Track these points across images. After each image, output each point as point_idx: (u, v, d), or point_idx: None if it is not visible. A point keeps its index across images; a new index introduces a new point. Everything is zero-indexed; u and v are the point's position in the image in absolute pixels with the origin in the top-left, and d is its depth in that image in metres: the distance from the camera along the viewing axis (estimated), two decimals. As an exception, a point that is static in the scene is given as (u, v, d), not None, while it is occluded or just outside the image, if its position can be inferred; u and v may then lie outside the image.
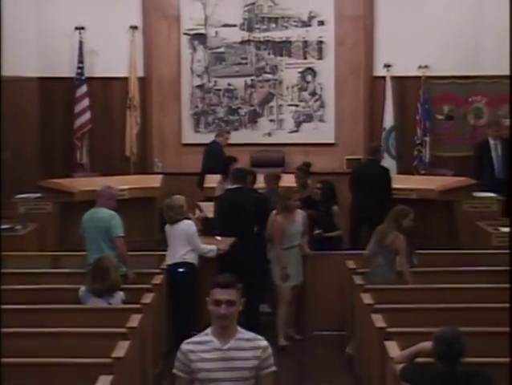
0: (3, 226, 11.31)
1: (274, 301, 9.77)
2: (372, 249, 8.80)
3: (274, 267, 9.57)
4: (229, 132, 13.57)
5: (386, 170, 11.97)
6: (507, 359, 6.25)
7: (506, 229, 10.96)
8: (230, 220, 9.72)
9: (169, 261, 9.25)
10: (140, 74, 14.30)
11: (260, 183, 10.53)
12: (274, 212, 9.62)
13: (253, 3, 14.28)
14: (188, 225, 9.27)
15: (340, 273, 9.45)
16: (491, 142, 13.00)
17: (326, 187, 10.57)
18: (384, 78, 14.25)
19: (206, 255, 9.32)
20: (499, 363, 6.10)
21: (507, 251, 10.06)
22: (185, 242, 9.18)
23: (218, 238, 9.63)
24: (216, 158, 12.50)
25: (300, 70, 14.37)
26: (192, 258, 9.20)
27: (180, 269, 9.17)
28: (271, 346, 4.95)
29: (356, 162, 13.24)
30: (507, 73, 14.04)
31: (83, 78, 14.11)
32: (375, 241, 8.77)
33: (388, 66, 14.20)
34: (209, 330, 5.19)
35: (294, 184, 10.80)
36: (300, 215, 9.69)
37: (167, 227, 9.35)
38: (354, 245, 10.88)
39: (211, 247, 9.35)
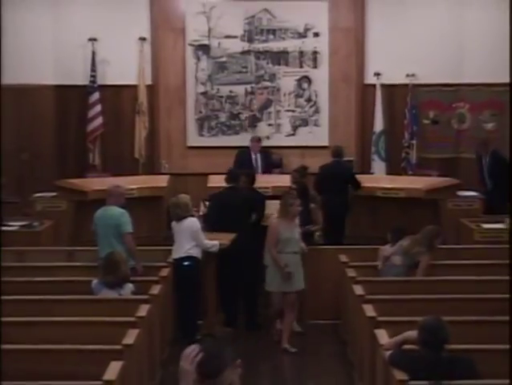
0: (22, 223, 11.33)
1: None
2: (396, 249, 8.79)
3: (268, 273, 9.08)
4: (259, 139, 13.49)
5: (349, 169, 12.25)
6: (488, 346, 6.26)
7: (488, 226, 10.99)
8: (220, 218, 9.82)
9: (175, 255, 9.24)
10: (148, 82, 14.29)
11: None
12: (275, 215, 9.32)
13: (253, 16, 14.27)
14: (192, 222, 9.26)
15: (334, 266, 9.43)
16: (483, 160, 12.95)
17: (300, 187, 10.21)
18: (374, 85, 14.23)
19: (209, 250, 9.32)
20: (481, 350, 6.10)
21: (489, 246, 10.10)
22: (190, 238, 9.17)
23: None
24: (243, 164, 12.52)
25: (296, 78, 14.35)
26: (196, 253, 9.20)
27: (186, 263, 9.16)
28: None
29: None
30: (487, 81, 14.08)
31: (96, 85, 14.10)
32: (401, 245, 8.77)
33: (377, 74, 14.18)
34: None
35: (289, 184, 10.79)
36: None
37: (173, 224, 9.36)
38: (327, 240, 10.90)
39: (214, 242, 9.34)
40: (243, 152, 13.20)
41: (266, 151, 13.37)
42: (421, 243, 8.68)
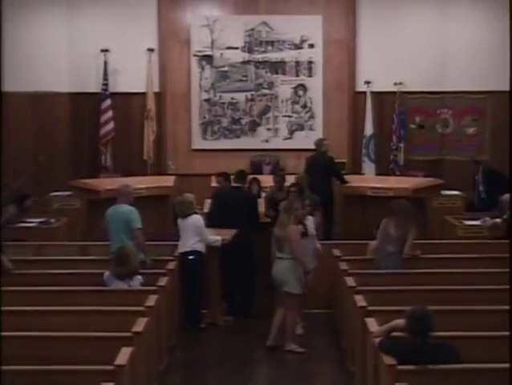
0: (39, 220, 11.33)
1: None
2: (383, 238, 8.71)
3: (292, 276, 8.41)
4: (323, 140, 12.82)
5: (331, 159, 12.31)
6: (469, 333, 6.26)
7: (469, 222, 10.98)
8: (221, 214, 9.85)
9: (181, 249, 9.24)
10: (156, 89, 14.28)
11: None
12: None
13: (252, 29, 14.26)
14: (197, 219, 9.26)
15: (328, 259, 9.42)
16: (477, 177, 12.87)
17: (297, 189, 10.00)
18: (364, 93, 14.24)
19: (212, 244, 9.32)
20: (463, 336, 6.10)
21: (470, 241, 10.11)
22: (195, 233, 9.17)
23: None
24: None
25: (293, 86, 14.35)
26: (200, 247, 9.20)
27: (191, 257, 9.16)
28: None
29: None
30: (469, 89, 14.09)
31: (108, 93, 14.09)
32: (387, 233, 8.68)
33: (368, 82, 14.18)
34: None
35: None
36: (310, 221, 9.09)
37: (179, 220, 9.35)
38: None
39: (216, 238, 9.35)
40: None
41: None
42: (404, 224, 8.64)
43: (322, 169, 12.03)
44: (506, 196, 10.72)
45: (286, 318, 8.44)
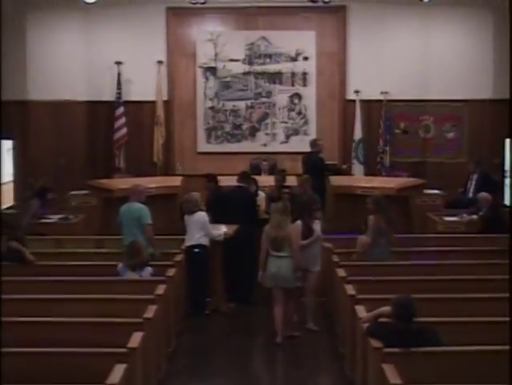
0: (59, 216, 11.33)
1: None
2: (377, 233, 8.60)
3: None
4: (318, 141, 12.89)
5: (321, 159, 12.37)
6: (448, 318, 6.25)
7: (448, 218, 10.99)
8: (225, 211, 9.78)
9: (187, 243, 9.22)
10: (165, 98, 14.28)
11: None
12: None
13: (252, 43, 14.26)
14: (202, 215, 9.25)
15: (321, 252, 9.38)
16: (473, 176, 12.72)
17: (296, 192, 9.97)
18: (354, 101, 14.23)
19: (216, 239, 9.30)
20: (443, 322, 6.09)
21: (449, 235, 10.11)
22: (200, 229, 9.16)
23: (224, 227, 9.61)
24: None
25: (289, 95, 14.35)
26: (205, 241, 9.18)
27: (196, 250, 9.15)
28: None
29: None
30: (449, 98, 14.08)
31: (121, 101, 14.09)
32: (379, 228, 8.60)
33: (357, 91, 14.18)
34: None
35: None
36: (317, 224, 8.73)
37: (186, 217, 9.33)
38: None
39: (219, 232, 9.33)
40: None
41: None
42: (384, 217, 8.62)
43: (314, 168, 12.07)
44: (483, 194, 10.72)
45: (287, 309, 8.29)
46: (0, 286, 6.83)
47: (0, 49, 10.63)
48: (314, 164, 12.14)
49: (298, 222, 8.48)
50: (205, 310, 9.24)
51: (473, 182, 12.44)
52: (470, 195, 12.32)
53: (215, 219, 9.57)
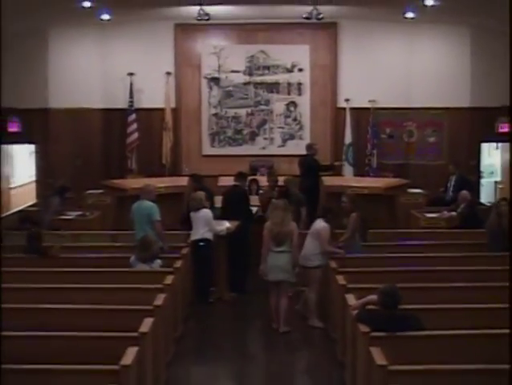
0: (77, 213, 11.32)
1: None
2: (355, 229, 8.67)
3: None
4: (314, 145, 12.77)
5: (316, 161, 12.34)
6: (431, 306, 6.26)
7: (430, 215, 10.99)
8: (226, 208, 9.83)
9: (193, 237, 9.22)
10: (173, 105, 14.26)
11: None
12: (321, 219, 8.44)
13: (252, 56, 14.24)
14: (206, 212, 9.23)
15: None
16: (452, 177, 12.57)
17: (281, 190, 9.86)
18: (344, 108, 14.21)
19: (219, 233, 9.30)
20: (426, 309, 6.10)
21: (430, 230, 10.12)
22: (204, 224, 9.15)
23: (227, 223, 9.61)
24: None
25: (285, 103, 14.33)
26: (209, 236, 9.17)
27: (201, 243, 9.14)
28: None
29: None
30: (430, 106, 14.08)
31: (133, 108, 14.08)
32: (356, 225, 8.63)
33: (347, 100, 14.16)
34: None
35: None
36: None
37: (191, 214, 9.32)
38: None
39: (222, 228, 9.33)
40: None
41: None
42: (359, 213, 8.68)
43: (309, 169, 12.09)
44: (463, 192, 10.72)
45: (282, 303, 8.12)
46: (0, 276, 6.82)
47: (0, 59, 10.61)
48: (309, 166, 12.15)
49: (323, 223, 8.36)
50: (210, 299, 9.24)
51: (453, 182, 12.44)
52: (450, 194, 12.32)
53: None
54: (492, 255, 8.34)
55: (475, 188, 11.18)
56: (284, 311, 8.15)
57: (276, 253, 8.06)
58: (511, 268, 6.90)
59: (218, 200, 10.37)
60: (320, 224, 8.38)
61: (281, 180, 10.77)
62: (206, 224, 9.15)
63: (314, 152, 12.49)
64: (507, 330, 5.49)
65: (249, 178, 11.25)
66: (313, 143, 12.88)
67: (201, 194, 9.40)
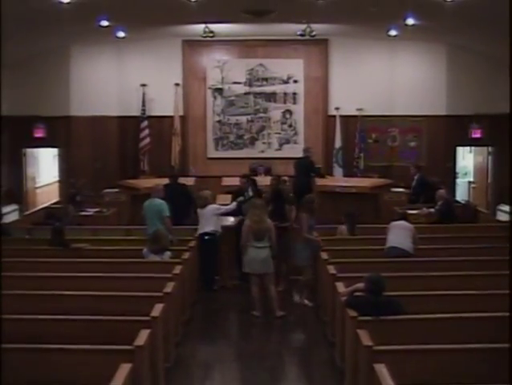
0: (95, 209, 11.31)
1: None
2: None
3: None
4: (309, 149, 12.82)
5: (310, 162, 12.39)
6: (413, 292, 6.25)
7: (411, 212, 10.93)
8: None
9: (200, 231, 9.18)
10: (181, 113, 14.25)
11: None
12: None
13: (252, 69, 14.23)
14: (213, 206, 9.20)
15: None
16: (414, 177, 12.54)
17: (276, 191, 9.54)
18: (334, 116, 14.20)
19: (231, 210, 9.20)
20: (407, 295, 6.09)
21: (412, 225, 10.07)
22: (210, 219, 9.08)
23: (231, 219, 9.59)
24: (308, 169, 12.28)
25: (282, 111, 14.32)
26: (214, 230, 9.13)
27: (206, 237, 9.12)
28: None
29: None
30: (411, 113, 14.08)
31: (145, 116, 14.07)
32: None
33: (337, 108, 14.15)
34: None
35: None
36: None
37: (198, 210, 9.29)
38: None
39: (231, 205, 9.27)
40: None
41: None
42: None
43: (304, 170, 12.11)
44: (440, 191, 10.69)
45: (271, 291, 8.03)
46: None
47: (0, 65, 10.58)
48: (305, 167, 12.15)
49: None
50: (214, 286, 9.23)
51: (414, 183, 12.41)
52: (412, 193, 12.26)
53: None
54: (465, 247, 8.34)
55: (435, 188, 11.15)
56: (275, 298, 8.10)
57: (257, 248, 7.98)
58: (511, 268, 6.83)
59: (222, 198, 10.37)
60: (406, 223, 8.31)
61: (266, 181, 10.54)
62: (215, 215, 9.08)
63: (310, 155, 12.51)
64: (480, 314, 5.50)
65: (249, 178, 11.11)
66: (309, 147, 12.92)
67: (207, 192, 9.38)
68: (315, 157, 13.42)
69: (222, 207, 9.28)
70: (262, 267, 8.00)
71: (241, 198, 9.34)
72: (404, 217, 8.68)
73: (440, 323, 5.51)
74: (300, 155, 13.57)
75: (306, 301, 8.48)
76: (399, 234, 8.12)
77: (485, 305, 5.82)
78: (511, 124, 11.91)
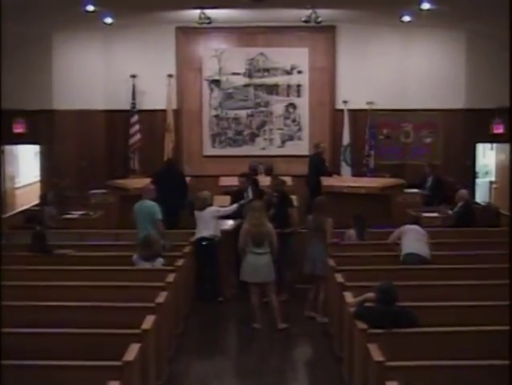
0: (81, 212, 11.32)
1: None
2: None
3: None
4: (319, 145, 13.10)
5: (320, 159, 12.68)
6: (425, 303, 6.25)
7: (426, 214, 10.96)
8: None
9: (197, 235, 9.19)
10: (174, 107, 14.25)
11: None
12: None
13: (252, 58, 14.23)
14: (212, 209, 9.22)
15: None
16: (428, 178, 12.69)
17: (280, 194, 9.43)
18: (342, 110, 14.20)
19: (231, 212, 9.26)
20: (422, 306, 6.09)
21: (427, 229, 10.07)
22: (209, 222, 9.09)
23: (230, 222, 9.61)
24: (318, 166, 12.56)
25: (285, 104, 14.32)
26: (212, 234, 9.16)
27: (204, 242, 9.13)
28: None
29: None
30: (426, 107, 14.07)
31: (135, 110, 14.07)
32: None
33: (345, 102, 14.15)
34: None
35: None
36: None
37: (196, 212, 9.29)
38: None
39: (232, 207, 9.31)
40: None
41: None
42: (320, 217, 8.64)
43: (314, 167, 12.37)
44: (462, 191, 10.68)
45: (272, 301, 8.05)
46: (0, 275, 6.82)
47: (0, 61, 10.65)
48: (314, 165, 12.43)
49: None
50: (219, 298, 9.16)
51: (429, 183, 12.46)
52: (427, 193, 12.30)
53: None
54: (485, 253, 8.34)
55: (452, 189, 11.17)
56: (277, 308, 8.10)
57: (256, 254, 7.96)
58: (511, 267, 6.84)
59: (219, 200, 10.37)
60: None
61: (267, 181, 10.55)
62: (215, 217, 9.13)
63: (321, 151, 12.61)
64: (501, 327, 5.50)
65: (250, 178, 11.12)
66: (319, 142, 13.07)
67: (206, 193, 9.38)
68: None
69: (222, 209, 9.30)
70: (262, 275, 7.98)
71: (242, 201, 9.34)
72: (418, 221, 8.68)
73: (459, 337, 5.51)
74: (305, 152, 13.64)
75: (325, 319, 8.27)
76: (417, 239, 8.13)
77: (507, 317, 5.82)
78: (511, 123, 11.97)
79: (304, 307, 8.62)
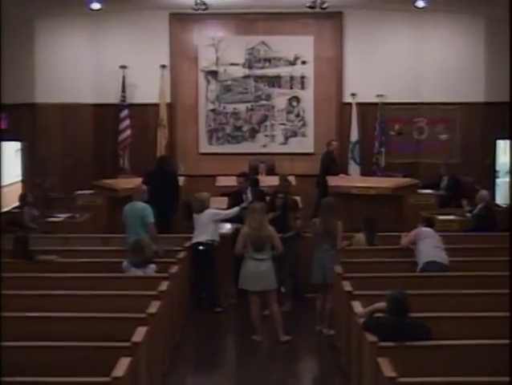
0: (66, 215, 11.32)
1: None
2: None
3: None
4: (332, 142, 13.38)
5: (329, 158, 12.97)
6: (440, 314, 6.26)
7: (441, 217, 10.97)
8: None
9: (195, 240, 9.20)
10: (168, 101, 14.28)
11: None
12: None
13: (252, 48, 14.26)
14: (210, 212, 9.23)
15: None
16: (443, 177, 12.74)
17: (285, 197, 9.44)
18: (350, 104, 14.23)
19: (233, 215, 9.29)
20: (436, 317, 6.10)
21: (442, 233, 10.06)
22: (208, 226, 9.11)
23: (228, 226, 9.63)
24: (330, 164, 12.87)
25: (288, 97, 14.35)
26: (210, 239, 9.16)
27: (201, 247, 9.14)
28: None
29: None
30: (441, 101, 14.08)
31: (125, 104, 14.10)
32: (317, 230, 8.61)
33: (353, 94, 14.18)
34: None
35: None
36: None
37: (194, 215, 9.30)
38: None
39: (233, 210, 9.33)
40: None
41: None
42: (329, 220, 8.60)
43: (323, 165, 12.71)
44: (482, 192, 10.67)
45: (274, 311, 8.06)
46: (0, 283, 6.81)
47: (0, 54, 10.67)
48: (325, 163, 12.80)
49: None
50: (218, 308, 9.17)
51: (445, 183, 12.48)
52: (442, 193, 12.32)
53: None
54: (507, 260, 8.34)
55: (470, 190, 11.19)
56: (279, 319, 8.09)
57: (257, 260, 7.93)
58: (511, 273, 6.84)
59: (216, 201, 10.38)
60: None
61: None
62: (214, 221, 9.16)
63: (332, 149, 12.74)
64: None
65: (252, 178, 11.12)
66: (331, 140, 13.31)
67: (205, 195, 9.39)
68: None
69: (222, 212, 9.31)
70: (263, 283, 7.96)
71: (244, 204, 9.35)
72: (432, 224, 8.69)
73: (477, 351, 5.51)
74: (309, 150, 13.68)
75: (331, 331, 8.27)
76: (435, 246, 8.14)
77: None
78: (511, 121, 12.00)
79: (313, 320, 8.58)
